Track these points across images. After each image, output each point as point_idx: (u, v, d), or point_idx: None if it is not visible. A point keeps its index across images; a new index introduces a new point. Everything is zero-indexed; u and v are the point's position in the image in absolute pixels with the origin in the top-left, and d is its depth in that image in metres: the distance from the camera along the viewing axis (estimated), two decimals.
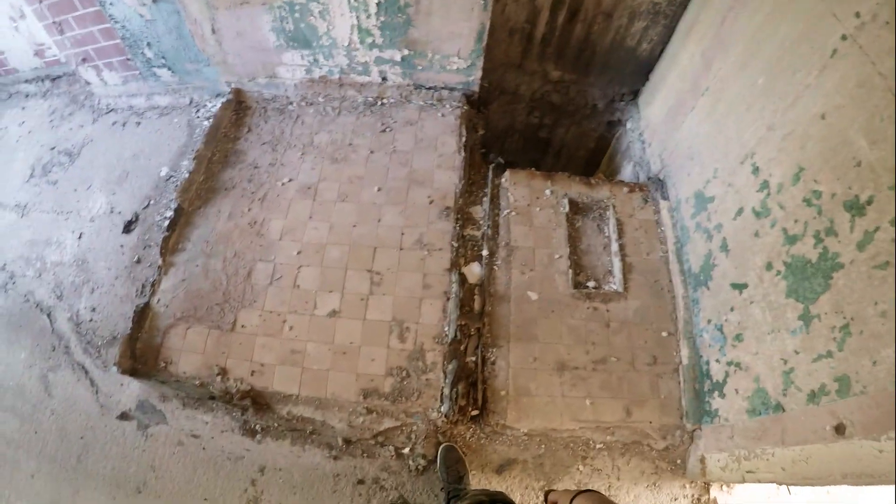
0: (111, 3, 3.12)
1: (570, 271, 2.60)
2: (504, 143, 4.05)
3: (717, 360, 2.18)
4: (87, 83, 3.93)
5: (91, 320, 2.97)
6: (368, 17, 2.92)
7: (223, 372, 2.57)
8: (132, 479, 2.68)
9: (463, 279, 2.62)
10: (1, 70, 4.38)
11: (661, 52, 3.16)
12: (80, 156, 3.65)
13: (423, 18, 2.88)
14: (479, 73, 3.16)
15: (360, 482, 2.43)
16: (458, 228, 2.75)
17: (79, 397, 2.89)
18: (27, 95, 4.29)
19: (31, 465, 2.90)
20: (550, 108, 3.78)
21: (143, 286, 2.88)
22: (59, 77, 4.22)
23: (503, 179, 2.95)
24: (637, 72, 3.31)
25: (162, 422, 2.70)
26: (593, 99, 3.59)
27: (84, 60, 3.71)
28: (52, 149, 3.79)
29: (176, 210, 2.96)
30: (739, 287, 2.07)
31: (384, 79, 3.31)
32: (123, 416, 2.75)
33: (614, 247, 2.68)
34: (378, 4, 2.81)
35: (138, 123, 3.64)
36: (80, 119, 3.89)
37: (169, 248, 2.90)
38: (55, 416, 2.91)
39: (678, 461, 2.34)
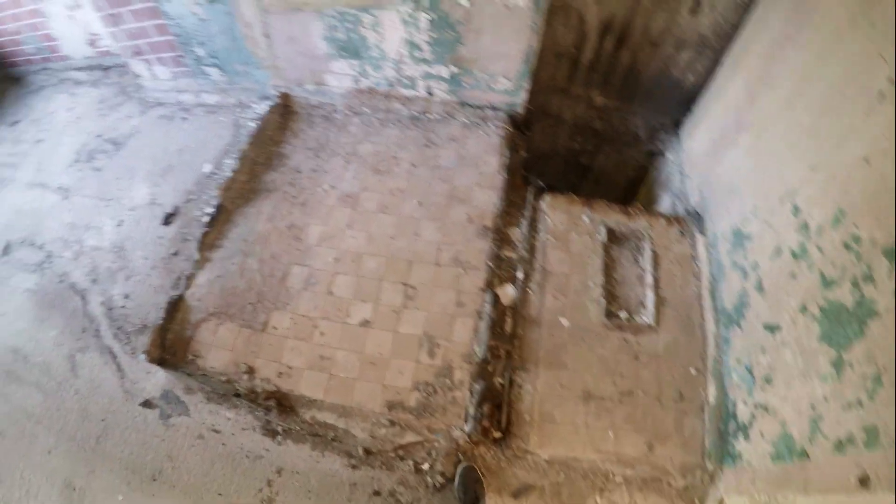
0: (167, 0, 3.40)
1: (604, 300, 2.75)
2: (544, 167, 4.23)
3: (745, 402, 2.27)
4: (138, 76, 4.22)
5: (123, 307, 3.18)
6: (419, 31, 3.15)
7: (250, 371, 2.74)
8: (148, 466, 2.85)
9: (496, 300, 2.79)
10: (53, 56, 4.71)
11: (706, 84, 3.29)
12: (126, 146, 3.91)
13: (472, 37, 3.10)
14: (524, 95, 3.36)
15: (377, 493, 2.57)
16: (495, 249, 2.93)
17: (104, 380, 3.08)
18: (77, 83, 4.60)
19: (50, 441, 3.09)
20: (592, 135, 3.97)
21: (179, 279, 3.09)
22: (109, 67, 4.53)
23: (543, 203, 3.12)
24: (681, 103, 3.46)
25: (184, 413, 2.87)
26: (635, 127, 3.77)
27: (136, 54, 4.01)
28: (99, 136, 4.07)
29: (217, 207, 3.18)
30: (772, 328, 2.18)
31: (430, 94, 3.53)
32: (146, 404, 2.93)
33: (648, 279, 2.82)
34: (430, 20, 3.03)
35: (185, 119, 3.90)
36: (129, 110, 4.17)
37: (207, 243, 3.11)
38: (78, 395, 3.10)
39: (696, 502, 2.45)
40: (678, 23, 3.02)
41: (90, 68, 4.58)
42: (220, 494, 2.71)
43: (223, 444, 2.77)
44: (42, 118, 4.49)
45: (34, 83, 4.85)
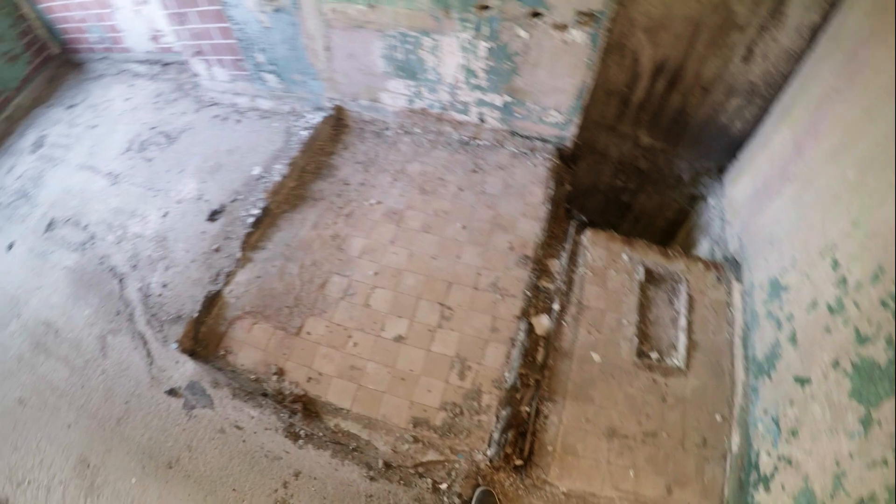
0: (233, 6, 3.75)
1: (636, 339, 2.93)
2: (586, 201, 4.46)
3: (768, 453, 2.38)
4: (196, 75, 4.58)
5: (160, 295, 3.43)
6: (477, 59, 3.42)
7: (280, 372, 2.96)
8: (166, 453, 3.04)
9: (531, 329, 2.98)
10: (116, 47, 5.11)
11: (753, 132, 3.44)
12: (178, 140, 4.23)
13: (528, 69, 3.36)
14: (574, 130, 3.60)
15: None
16: (533, 278, 3.14)
17: (132, 364, 3.31)
18: (136, 75, 4.98)
19: (70, 416, 3.32)
20: (636, 174, 4.19)
21: (218, 274, 3.34)
22: (169, 63, 4.91)
23: (584, 238, 3.33)
24: (726, 149, 3.64)
25: (208, 406, 3.08)
26: (679, 170, 3.98)
27: (197, 53, 4.36)
28: (153, 128, 4.41)
29: (263, 209, 3.44)
30: (802, 381, 2.30)
31: (482, 121, 3.81)
32: (172, 392, 3.15)
33: (682, 322, 2.99)
34: (489, 49, 3.31)
35: (238, 121, 4.22)
36: (184, 106, 4.51)
37: (250, 244, 3.36)
38: (105, 375, 3.33)
39: None
40: (730, 70, 3.22)
41: (150, 62, 4.96)
42: (234, 490, 2.88)
43: (244, 440, 2.96)
44: (99, 104, 4.86)
45: (94, 70, 5.25)
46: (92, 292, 3.64)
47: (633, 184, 4.31)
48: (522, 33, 3.17)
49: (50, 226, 4.15)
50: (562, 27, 2.99)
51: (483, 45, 3.32)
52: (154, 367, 3.23)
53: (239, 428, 2.98)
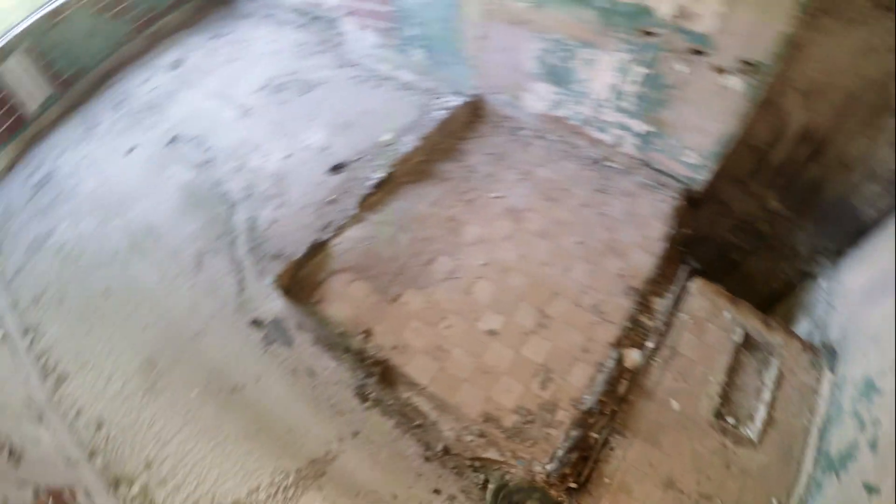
0: None
1: (718, 399, 2.95)
2: (696, 248, 4.46)
3: None
4: (343, 34, 4.89)
5: (267, 230, 3.67)
6: (629, 82, 3.52)
7: (368, 333, 3.11)
8: (233, 378, 3.28)
9: (620, 360, 3.04)
10: None
11: (883, 223, 3.37)
12: (314, 91, 4.55)
13: (678, 104, 3.44)
14: (707, 175, 3.65)
15: (436, 492, 2.82)
16: (635, 311, 3.20)
17: (223, 287, 3.55)
18: (283, 22, 5.39)
19: (149, 318, 3.63)
20: (754, 235, 4.17)
21: (328, 225, 3.55)
22: (319, 17, 5.27)
23: (692, 284, 3.37)
24: (851, 233, 3.57)
25: (287, 345, 3.27)
26: (798, 242, 3.93)
27: (351, 14, 4.67)
28: (291, 75, 4.74)
29: (388, 175, 3.65)
30: (871, 490, 2.25)
31: (618, 143, 3.90)
32: (255, 323, 3.35)
33: (766, 396, 2.98)
34: (644, 75, 3.40)
35: (376, 87, 4.49)
36: (325, 61, 4.83)
37: (367, 204, 3.57)
38: (193, 290, 3.59)
39: None
40: (876, 154, 3.18)
41: (300, 13, 5.36)
42: (289, 430, 3.08)
43: (313, 387, 3.13)
44: (242, 41, 5.28)
45: (243, 10, 5.74)
46: (200, 211, 3.93)
47: (748, 244, 4.29)
48: (680, 67, 3.26)
49: (173, 140, 4.51)
50: (720, 70, 3.07)
51: (638, 70, 3.42)
52: (243, 295, 3.45)
53: (312, 374, 3.15)
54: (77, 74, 5.48)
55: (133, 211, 4.16)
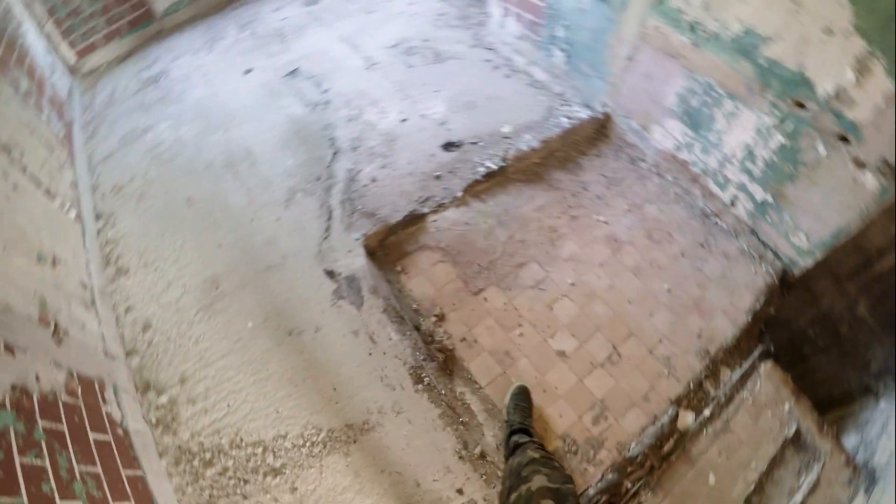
0: None
1: (752, 486, 2.95)
2: (771, 330, 4.45)
3: None
4: (487, 14, 5.06)
5: (365, 186, 3.85)
6: (764, 147, 3.55)
7: (441, 317, 3.24)
8: (293, 321, 3.44)
9: (675, 418, 3.10)
10: None
11: None
12: (444, 63, 4.72)
13: (805, 183, 3.43)
14: (810, 262, 3.64)
15: (459, 492, 2.90)
16: (702, 375, 3.27)
17: (308, 229, 3.74)
18: None
19: (226, 238, 3.83)
20: (832, 335, 4.12)
21: (428, 199, 3.70)
22: None
23: (762, 366, 3.41)
24: None
25: (356, 305, 3.42)
26: (873, 357, 3.87)
27: (510, 4, 4.82)
28: (425, 41, 4.93)
29: (500, 168, 3.78)
30: None
31: (732, 203, 3.94)
32: (330, 274, 3.52)
33: (797, 498, 2.98)
34: (781, 145, 3.43)
35: (507, 76, 4.63)
36: (461, 36, 5.01)
37: (473, 190, 3.71)
38: (278, 224, 3.79)
39: None
40: None
41: None
42: (334, 388, 3.21)
43: (370, 353, 3.27)
44: None
45: None
46: (303, 148, 4.14)
47: (823, 341, 4.24)
48: (821, 149, 3.27)
49: (293, 73, 4.76)
50: (859, 164, 3.07)
51: (777, 138, 3.44)
52: (325, 243, 3.63)
53: (372, 341, 3.29)
54: None
55: (236, 130, 4.41)
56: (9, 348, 2.44)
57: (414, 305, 3.27)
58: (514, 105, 4.35)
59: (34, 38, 4.84)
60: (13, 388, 2.29)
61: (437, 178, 3.78)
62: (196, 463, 3.01)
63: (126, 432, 2.93)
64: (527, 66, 4.75)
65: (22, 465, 2.04)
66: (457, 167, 3.84)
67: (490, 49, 4.89)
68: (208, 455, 3.03)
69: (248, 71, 4.85)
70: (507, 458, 2.65)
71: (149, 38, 5.60)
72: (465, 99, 4.35)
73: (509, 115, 4.26)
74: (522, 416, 2.88)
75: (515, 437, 2.69)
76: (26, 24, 4.72)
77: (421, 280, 3.36)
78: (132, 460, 2.81)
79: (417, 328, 3.23)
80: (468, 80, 4.52)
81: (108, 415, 2.88)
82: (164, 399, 3.23)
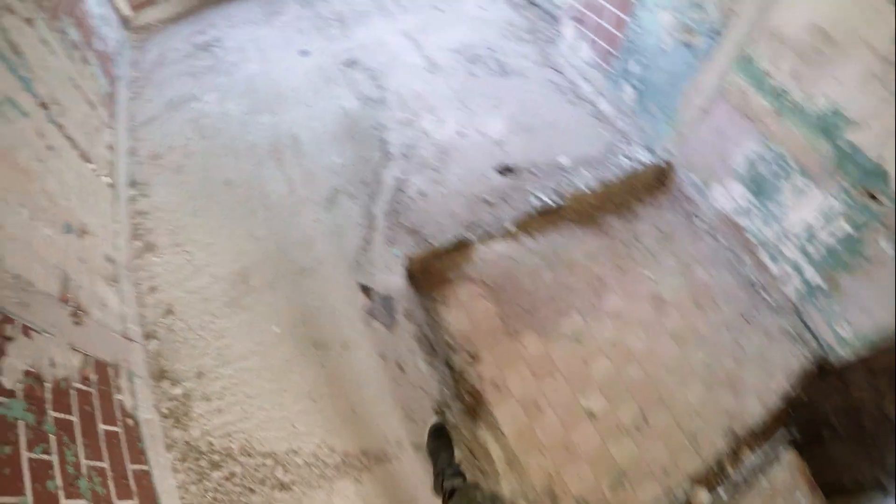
0: (646, 9, 3.94)
1: None
2: (796, 412, 4.35)
3: None
4: (560, 35, 4.86)
5: (412, 198, 3.70)
6: (825, 230, 3.40)
7: (474, 357, 3.11)
8: (320, 334, 3.32)
9: (690, 496, 3.00)
10: None
11: None
12: (508, 77, 4.54)
13: (861, 277, 3.27)
14: (849, 354, 3.52)
15: None
16: (724, 454, 3.15)
17: (347, 235, 3.64)
18: None
19: (261, 231, 3.71)
20: (854, 426, 3.99)
21: (477, 225, 3.55)
22: (538, 5, 5.26)
23: (784, 454, 3.30)
24: None
25: (388, 327, 3.29)
26: (890, 455, 3.77)
27: (576, 19, 4.63)
28: (490, 50, 4.75)
29: (556, 206, 3.63)
30: None
31: (782, 281, 3.80)
32: (364, 289, 3.40)
33: None
34: (846, 233, 3.28)
35: (570, 102, 4.46)
36: (529, 52, 4.83)
37: (524, 225, 3.56)
38: (317, 224, 3.70)
39: None
40: None
41: None
42: (353, 411, 3.09)
43: (394, 381, 3.16)
44: None
45: None
46: (352, 146, 3.99)
47: (844, 430, 4.14)
48: (885, 246, 3.13)
49: (350, 62, 4.60)
50: None
51: (842, 226, 3.30)
52: (365, 255, 3.51)
53: (400, 368, 3.18)
54: None
55: (285, 114, 4.25)
56: (26, 330, 2.33)
57: (448, 339, 3.15)
58: (574, 134, 4.19)
59: None
60: (27, 374, 2.18)
61: (488, 203, 3.64)
62: (203, 463, 2.92)
63: (136, 422, 2.84)
64: (593, 96, 4.57)
65: (29, 461, 1.95)
66: (509, 195, 3.70)
67: (557, 70, 4.71)
68: (217, 457, 2.93)
69: (305, 52, 4.70)
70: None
71: (209, 2, 5.41)
72: (525, 120, 4.19)
73: (568, 145, 4.11)
74: (450, 457, 2.80)
75: (451, 482, 2.58)
76: None
77: (459, 313, 3.23)
78: (139, 453, 2.73)
79: (449, 364, 3.10)
80: (530, 100, 4.35)
81: (120, 403, 2.79)
82: (178, 391, 3.13)
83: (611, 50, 4.35)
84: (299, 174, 3.84)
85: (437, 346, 3.17)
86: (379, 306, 3.30)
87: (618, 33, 4.25)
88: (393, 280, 3.36)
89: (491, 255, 3.43)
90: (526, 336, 3.21)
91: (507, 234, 3.51)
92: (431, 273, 3.32)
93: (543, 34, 5.02)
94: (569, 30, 4.73)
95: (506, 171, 3.81)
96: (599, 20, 4.37)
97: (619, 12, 4.11)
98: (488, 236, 3.47)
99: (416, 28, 4.92)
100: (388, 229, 3.53)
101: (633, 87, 4.27)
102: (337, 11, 5.12)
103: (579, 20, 4.57)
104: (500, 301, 3.28)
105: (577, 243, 3.61)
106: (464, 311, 3.23)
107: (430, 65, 4.52)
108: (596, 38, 4.46)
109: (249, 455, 2.93)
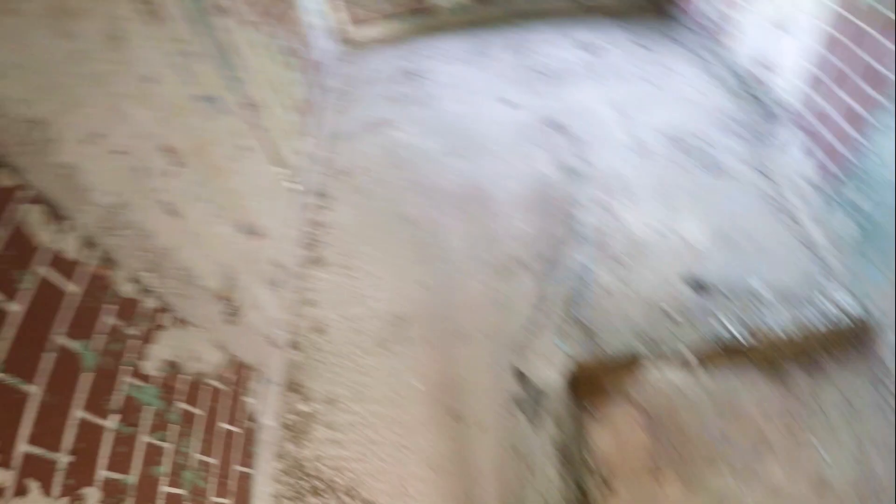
0: (884, 134, 3.31)
1: None
2: None
3: None
4: (779, 139, 4.40)
5: (592, 292, 3.42)
6: None
7: (609, 488, 2.90)
8: (461, 406, 3.17)
9: None
10: (721, 39, 5.12)
11: None
12: (718, 177, 4.19)
13: None
14: None
15: None
16: None
17: (515, 310, 3.46)
18: (715, 76, 5.10)
19: (429, 280, 3.68)
20: None
21: (654, 342, 3.22)
22: (759, 100, 4.83)
23: None
24: None
25: (532, 424, 3.08)
26: None
27: (803, 128, 4.11)
28: (704, 141, 4.40)
29: (742, 343, 3.23)
30: None
31: None
32: (518, 375, 3.19)
33: None
34: None
35: (779, 220, 4.03)
36: (743, 150, 4.42)
37: (705, 357, 3.21)
38: (485, 289, 3.54)
39: None
40: None
41: (740, 78, 4.98)
42: (466, 497, 2.90)
43: (520, 481, 2.95)
44: (663, 66, 5.08)
45: (676, 31, 5.57)
46: (541, 217, 3.84)
47: None
48: None
49: (553, 124, 4.43)
50: None
51: None
52: (525, 337, 3.30)
53: (531, 471, 2.99)
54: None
55: (480, 164, 4.16)
56: (181, 320, 2.38)
57: (589, 459, 2.91)
58: (777, 259, 3.76)
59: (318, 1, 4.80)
60: (169, 364, 2.23)
61: (671, 319, 3.32)
62: (305, 485, 2.89)
63: (256, 426, 2.88)
64: (806, 219, 4.09)
65: (146, 445, 1.98)
66: (695, 315, 3.36)
67: (770, 179, 4.27)
68: (320, 484, 2.89)
69: (508, 102, 4.59)
70: None
71: (421, 29, 5.57)
72: (727, 230, 3.82)
73: (768, 270, 3.68)
74: None
75: None
76: None
77: (609, 435, 2.99)
78: (248, 456, 2.75)
79: (580, 486, 2.86)
80: (737, 208, 3.96)
81: (248, 406, 2.83)
82: (305, 408, 3.14)
83: (835, 171, 3.84)
84: (481, 232, 3.71)
85: (574, 463, 2.91)
86: (529, 398, 3.10)
87: (846, 153, 3.71)
88: (550, 375, 3.15)
89: (660, 380, 3.12)
90: (669, 480, 2.91)
91: (683, 362, 3.16)
92: (593, 382, 3.07)
93: (760, 134, 4.60)
94: (790, 137, 4.29)
95: (697, 286, 3.47)
96: (824, 132, 3.85)
97: (849, 128, 3.57)
98: (662, 358, 3.17)
99: (625, 99, 4.64)
100: (559, 318, 3.31)
101: (856, 222, 3.75)
102: (545, 64, 4.98)
103: (801, 126, 4.11)
104: (655, 435, 2.98)
105: (752, 391, 3.22)
106: (614, 435, 2.97)
107: (638, 145, 4.23)
108: (819, 152, 3.96)
109: (351, 497, 2.86)
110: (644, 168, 4.11)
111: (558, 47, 5.29)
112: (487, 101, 4.66)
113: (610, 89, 4.77)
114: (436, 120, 4.50)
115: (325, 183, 4.16)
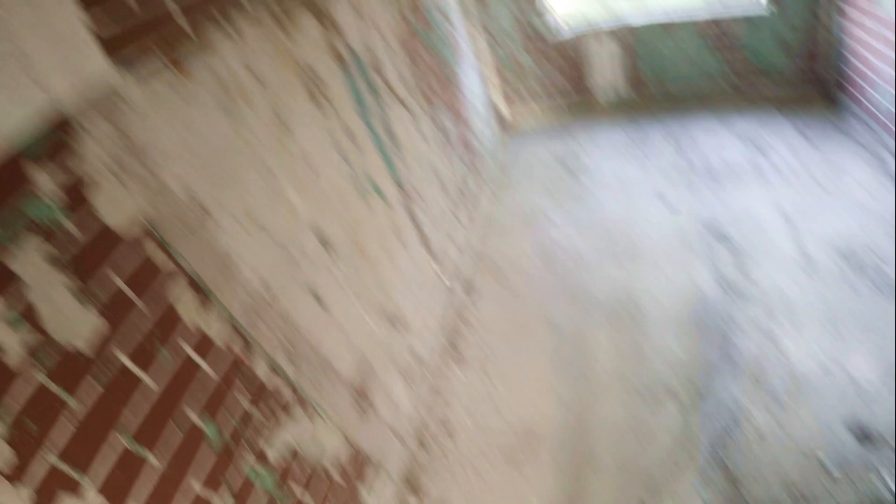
0: None
1: None
2: None
3: None
4: None
5: (744, 435, 3.23)
6: None
7: None
8: None
9: None
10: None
11: None
12: (891, 299, 3.77)
13: None
14: None
15: None
16: None
17: (654, 444, 3.32)
18: (892, 175, 4.52)
19: (567, 396, 3.65)
20: None
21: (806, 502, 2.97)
22: None
23: None
24: None
25: None
26: None
27: None
28: (879, 258, 4.02)
29: None
30: None
31: None
32: None
33: None
34: None
35: None
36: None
37: None
38: (625, 414, 3.44)
39: None
40: None
41: None
42: None
43: None
44: (831, 164, 4.70)
45: (846, 123, 5.09)
46: (694, 338, 3.69)
47: None
48: None
49: (715, 233, 4.26)
50: None
51: None
52: (661, 476, 3.17)
53: None
54: (653, 86, 5.60)
55: (635, 273, 4.11)
56: (309, 409, 2.45)
57: None
58: None
59: (477, 85, 4.83)
60: (291, 452, 2.30)
61: (828, 474, 3.08)
62: None
63: None
64: None
65: None
66: (857, 472, 3.07)
67: None
68: None
69: (668, 204, 4.48)
70: None
71: (579, 113, 5.50)
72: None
73: None
74: None
75: None
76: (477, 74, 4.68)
77: None
78: None
79: None
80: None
81: (362, 501, 2.87)
82: None
83: None
84: (630, 350, 3.64)
85: None
86: None
87: None
88: None
89: None
90: None
91: None
92: None
93: None
94: None
95: (862, 435, 3.22)
96: None
97: None
98: None
99: (793, 205, 4.36)
100: (702, 458, 3.13)
101: None
102: (709, 163, 4.81)
103: None
104: None
105: None
106: None
107: (806, 261, 3.96)
108: None
109: None
110: (810, 287, 3.84)
111: (720, 140, 5.07)
112: (646, 198, 4.57)
113: (775, 192, 4.52)
114: (591, 217, 4.49)
115: (473, 277, 4.23)
